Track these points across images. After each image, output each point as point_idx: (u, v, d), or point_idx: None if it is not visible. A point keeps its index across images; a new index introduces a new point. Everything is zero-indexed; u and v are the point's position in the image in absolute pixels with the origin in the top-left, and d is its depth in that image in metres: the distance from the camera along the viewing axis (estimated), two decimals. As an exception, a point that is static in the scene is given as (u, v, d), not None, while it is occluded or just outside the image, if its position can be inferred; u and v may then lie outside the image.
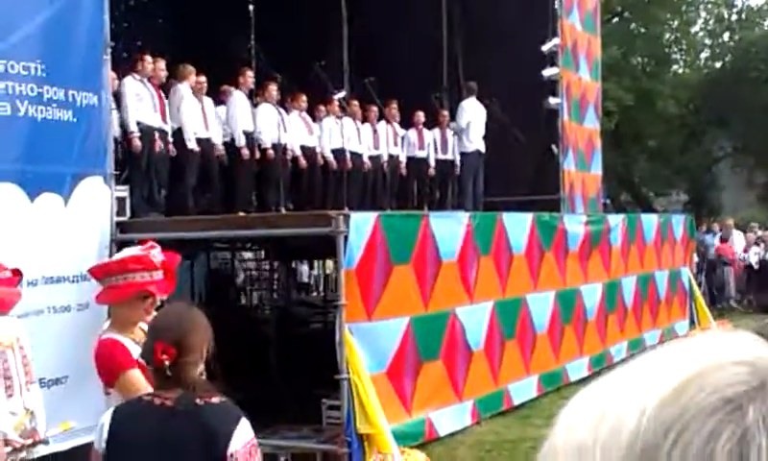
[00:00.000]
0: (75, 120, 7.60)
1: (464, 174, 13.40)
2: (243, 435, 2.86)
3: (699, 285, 16.99)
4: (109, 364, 3.75)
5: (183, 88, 10.10)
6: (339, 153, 12.13)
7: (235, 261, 14.91)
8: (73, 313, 7.40)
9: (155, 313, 3.80)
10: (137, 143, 9.29)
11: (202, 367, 3.00)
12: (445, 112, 13.72)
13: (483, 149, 13.35)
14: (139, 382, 3.51)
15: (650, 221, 14.64)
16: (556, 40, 13.92)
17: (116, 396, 3.50)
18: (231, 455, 2.81)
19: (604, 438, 0.56)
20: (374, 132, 12.88)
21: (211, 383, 2.99)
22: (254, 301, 15.42)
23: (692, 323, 15.13)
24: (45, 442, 4.87)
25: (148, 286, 3.89)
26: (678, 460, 0.53)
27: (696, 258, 17.83)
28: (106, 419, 2.99)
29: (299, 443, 7.74)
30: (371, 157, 12.70)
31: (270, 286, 14.04)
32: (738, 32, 30.92)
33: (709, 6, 31.87)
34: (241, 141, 10.69)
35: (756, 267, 19.03)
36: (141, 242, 4.72)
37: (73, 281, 7.44)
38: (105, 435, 2.93)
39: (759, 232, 20.12)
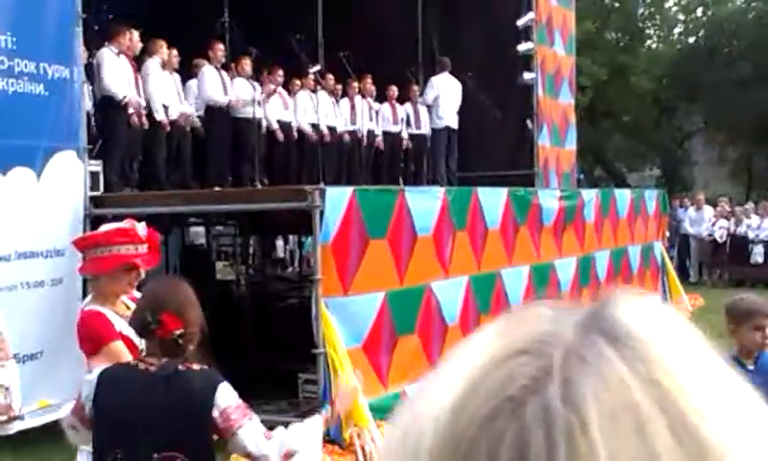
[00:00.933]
0: (47, 93, 7.53)
1: (434, 150, 13.40)
2: (227, 396, 2.93)
3: (671, 259, 17.16)
4: (93, 335, 3.77)
5: (152, 63, 10.02)
6: (313, 127, 12.08)
7: (210, 236, 14.85)
8: (47, 288, 7.36)
9: (135, 292, 3.81)
10: (135, 119, 9.37)
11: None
12: (415, 87, 13.68)
13: (455, 125, 13.32)
14: (122, 354, 3.55)
15: (623, 196, 14.74)
16: (531, 15, 13.91)
17: (98, 368, 3.52)
18: (221, 414, 2.89)
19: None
20: (352, 107, 12.83)
21: (203, 356, 3.06)
22: (230, 276, 15.36)
23: (665, 297, 15.29)
24: (21, 418, 4.87)
25: (133, 259, 3.90)
26: None
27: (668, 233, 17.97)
28: (93, 377, 3.06)
29: (275, 417, 7.75)
30: (347, 132, 12.65)
31: (245, 261, 14.00)
32: (711, 7, 31.08)
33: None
34: (212, 115, 10.63)
35: (720, 241, 19.13)
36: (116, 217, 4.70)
37: (46, 257, 7.39)
38: (91, 394, 3.02)
39: (727, 207, 20.21)
